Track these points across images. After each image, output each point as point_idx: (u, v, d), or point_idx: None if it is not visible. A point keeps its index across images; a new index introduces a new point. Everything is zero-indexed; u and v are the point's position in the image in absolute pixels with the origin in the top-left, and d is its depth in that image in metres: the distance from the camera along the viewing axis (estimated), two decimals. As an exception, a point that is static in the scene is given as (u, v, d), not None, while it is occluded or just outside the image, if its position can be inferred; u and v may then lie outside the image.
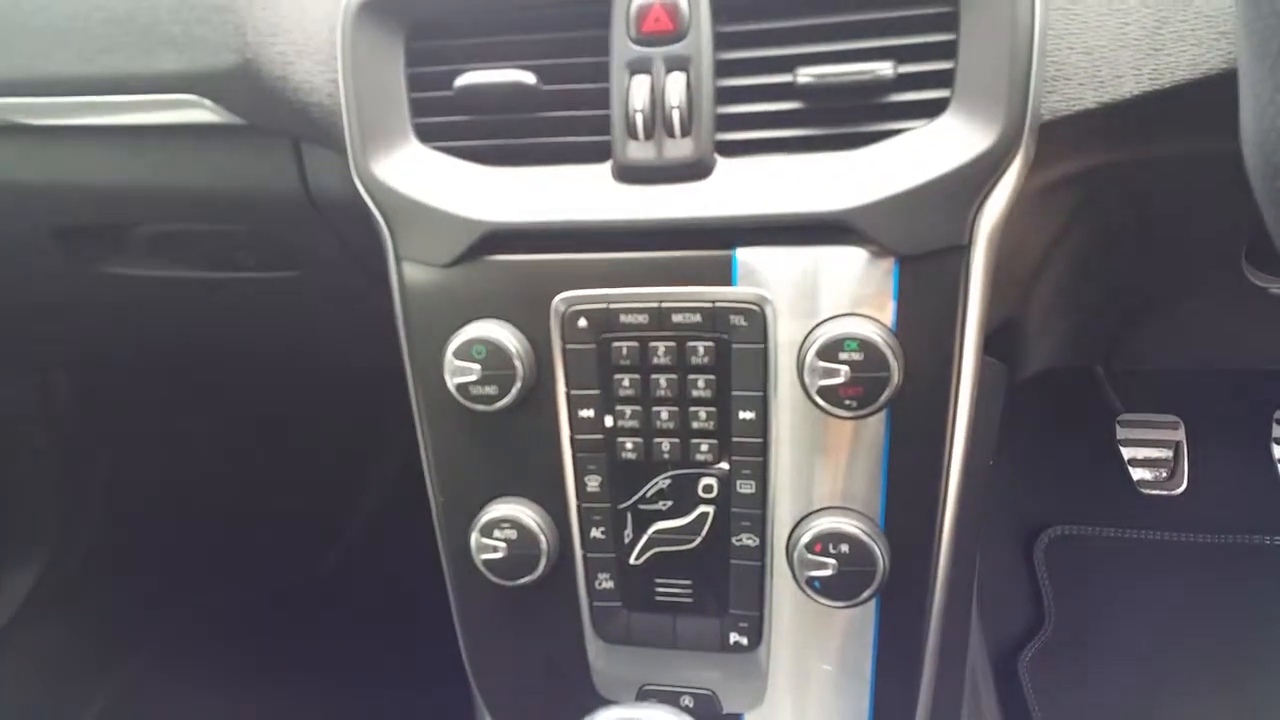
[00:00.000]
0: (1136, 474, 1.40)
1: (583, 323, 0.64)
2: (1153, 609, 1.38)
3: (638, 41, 0.61)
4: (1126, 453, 1.40)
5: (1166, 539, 1.40)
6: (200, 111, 0.70)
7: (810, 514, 0.65)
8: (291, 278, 0.85)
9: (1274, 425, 1.39)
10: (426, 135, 0.67)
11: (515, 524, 0.68)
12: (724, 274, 0.62)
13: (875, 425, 0.62)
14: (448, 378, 0.65)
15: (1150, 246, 0.79)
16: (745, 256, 0.61)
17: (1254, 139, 0.39)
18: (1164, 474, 1.40)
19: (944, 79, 0.58)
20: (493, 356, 0.64)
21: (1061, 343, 0.97)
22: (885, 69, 0.58)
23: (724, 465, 0.65)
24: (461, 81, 0.64)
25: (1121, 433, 1.41)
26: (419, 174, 0.66)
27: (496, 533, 0.68)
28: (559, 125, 0.64)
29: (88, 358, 1.17)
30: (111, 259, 0.86)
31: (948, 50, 0.58)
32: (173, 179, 0.76)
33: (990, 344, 0.79)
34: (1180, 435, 1.39)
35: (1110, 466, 1.43)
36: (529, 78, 0.63)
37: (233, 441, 1.33)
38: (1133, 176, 0.66)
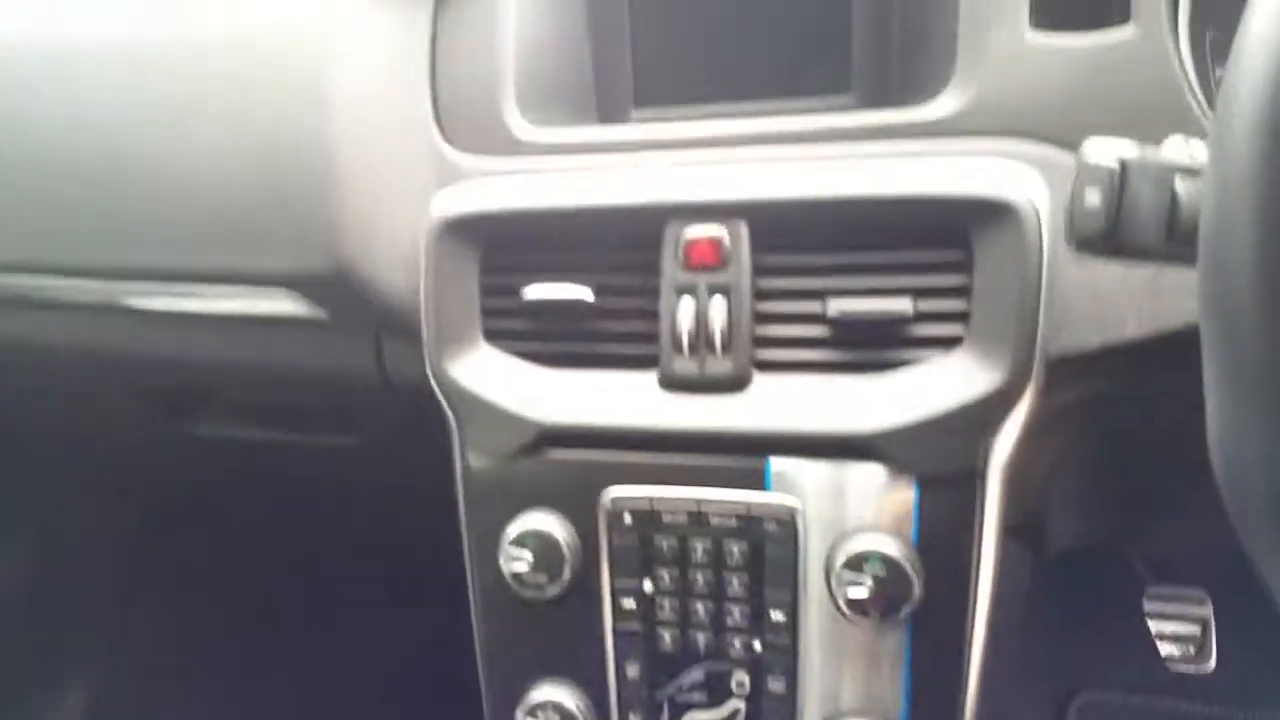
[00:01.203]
0: (1165, 649, 1.40)
1: (628, 519, 0.70)
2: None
3: (685, 269, 0.69)
4: (1154, 626, 1.41)
5: (1199, 710, 1.39)
6: (292, 305, 0.79)
7: (838, 716, 0.68)
8: (355, 445, 0.92)
9: None
10: (494, 338, 0.74)
11: (559, 708, 0.72)
12: (758, 480, 0.67)
13: (897, 634, 0.66)
14: (503, 564, 0.71)
15: (1161, 451, 0.83)
16: (778, 465, 0.67)
17: (1212, 438, 0.44)
18: (1192, 650, 1.40)
19: (959, 317, 0.65)
20: (544, 547, 0.70)
21: (1083, 528, 1.00)
22: (905, 306, 0.65)
23: (756, 662, 0.69)
24: (528, 293, 0.72)
25: (1149, 606, 1.41)
26: (485, 373, 0.73)
27: (540, 714, 0.72)
28: (612, 336, 0.72)
29: (148, 502, 1.25)
30: (190, 420, 0.94)
31: (963, 292, 0.65)
32: (258, 358, 0.85)
33: (1012, 532, 0.84)
34: (1208, 611, 1.40)
35: (1142, 634, 1.43)
36: (588, 294, 0.71)
37: (260, 593, 1.37)
38: (1139, 400, 0.71)
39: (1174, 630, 1.41)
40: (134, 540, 1.28)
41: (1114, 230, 0.48)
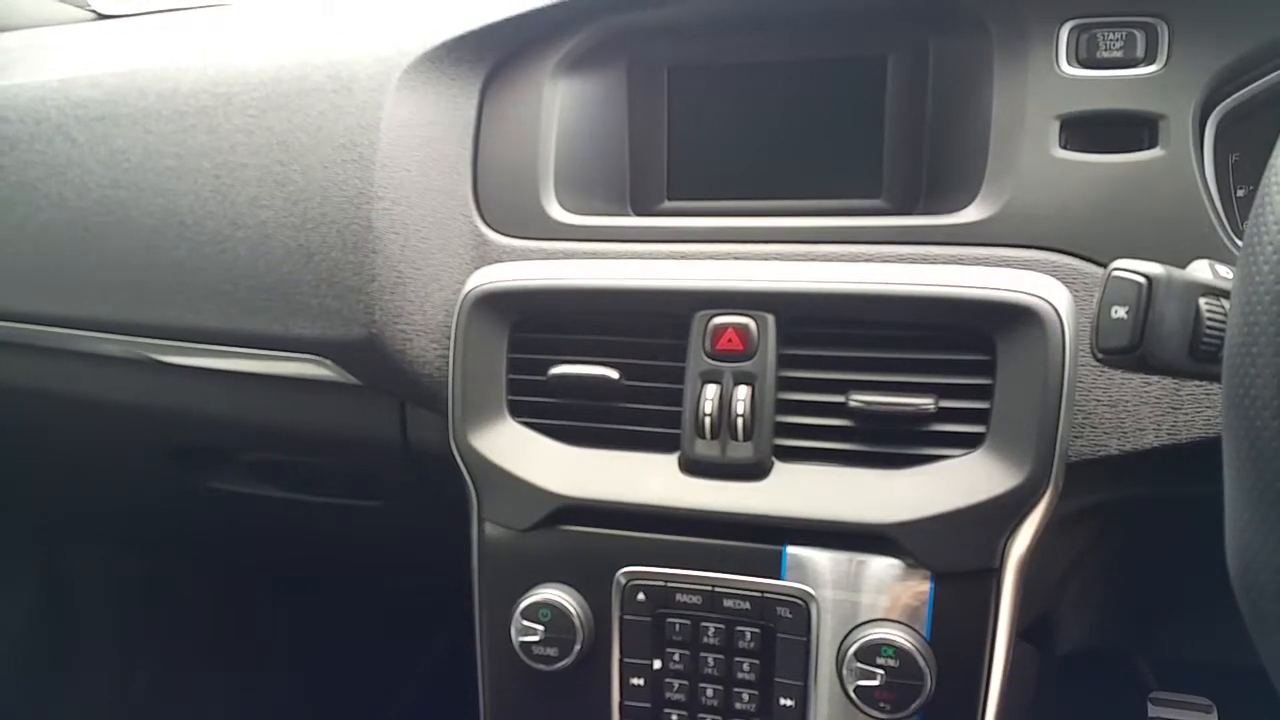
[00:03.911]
0: (1168, 756, 1.39)
1: (642, 597, 0.70)
2: None
3: (711, 356, 0.70)
4: (1158, 732, 1.39)
5: None
6: (320, 369, 0.81)
7: None
8: (374, 507, 0.93)
9: None
10: (518, 412, 0.76)
11: None
12: (774, 567, 0.68)
13: (906, 728, 0.66)
14: (514, 636, 0.71)
15: (1174, 559, 0.84)
16: (794, 553, 0.68)
17: (1231, 548, 0.45)
18: (1195, 758, 1.38)
19: (981, 417, 0.66)
20: (557, 620, 0.71)
21: (1093, 629, 1.00)
22: (928, 404, 0.66)
23: (763, 748, 0.69)
24: (555, 370, 0.74)
25: (1153, 711, 1.40)
26: (508, 446, 0.75)
27: None
28: (635, 416, 0.73)
29: (157, 551, 1.25)
30: (216, 477, 0.96)
31: (985, 393, 0.66)
32: (285, 419, 0.86)
33: (1024, 631, 0.84)
34: (1213, 718, 1.38)
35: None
36: (613, 374, 0.73)
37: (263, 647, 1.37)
38: (1156, 508, 0.72)
39: (1178, 737, 1.39)
40: (139, 589, 1.28)
41: (1138, 344, 0.49)
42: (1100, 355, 0.51)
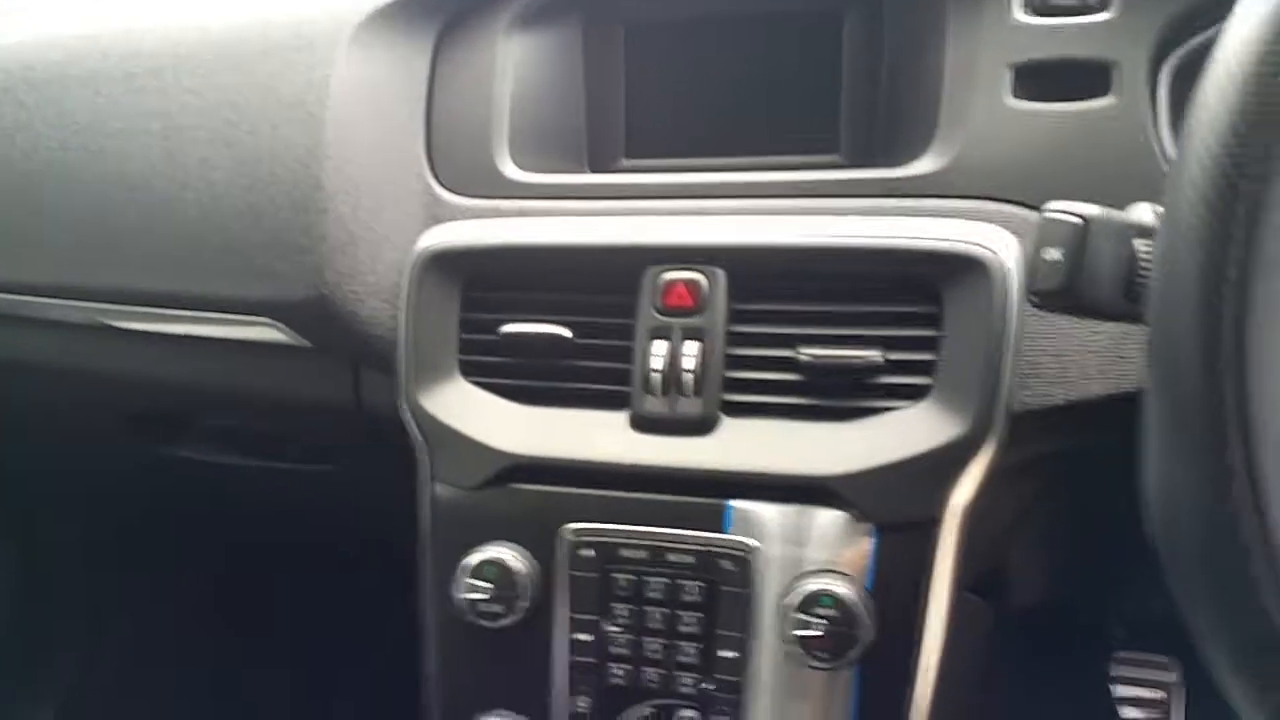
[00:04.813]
0: (1128, 713, 1.40)
1: (588, 553, 0.70)
2: None
3: (661, 312, 0.70)
4: (1118, 691, 1.40)
5: None
6: (273, 332, 0.80)
7: None
8: (328, 472, 0.93)
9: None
10: (470, 372, 0.76)
11: None
12: (718, 521, 0.68)
13: (846, 677, 0.67)
14: (460, 593, 0.71)
15: (1122, 513, 0.85)
16: (739, 507, 0.68)
17: (1150, 495, 0.45)
18: (1156, 716, 1.39)
19: (927, 369, 0.67)
20: (502, 577, 0.71)
21: (1048, 585, 1.01)
22: (875, 355, 0.67)
23: (705, 700, 0.69)
24: (506, 329, 0.74)
25: (1116, 669, 1.41)
26: (458, 405, 0.75)
27: None
28: (586, 374, 0.73)
29: (125, 519, 1.25)
30: (172, 443, 0.95)
31: (932, 344, 0.67)
32: (239, 383, 0.86)
33: (973, 585, 0.84)
34: (1174, 677, 1.39)
35: (1107, 697, 1.42)
36: (565, 332, 0.73)
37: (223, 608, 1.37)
38: (1103, 459, 0.73)
39: (1137, 695, 1.40)
40: (110, 555, 1.28)
41: (1072, 286, 0.49)
42: (1034, 298, 0.51)
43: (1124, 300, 0.50)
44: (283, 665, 1.37)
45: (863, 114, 0.77)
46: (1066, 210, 0.48)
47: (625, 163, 0.83)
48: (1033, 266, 0.50)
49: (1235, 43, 0.41)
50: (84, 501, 1.20)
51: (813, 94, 0.78)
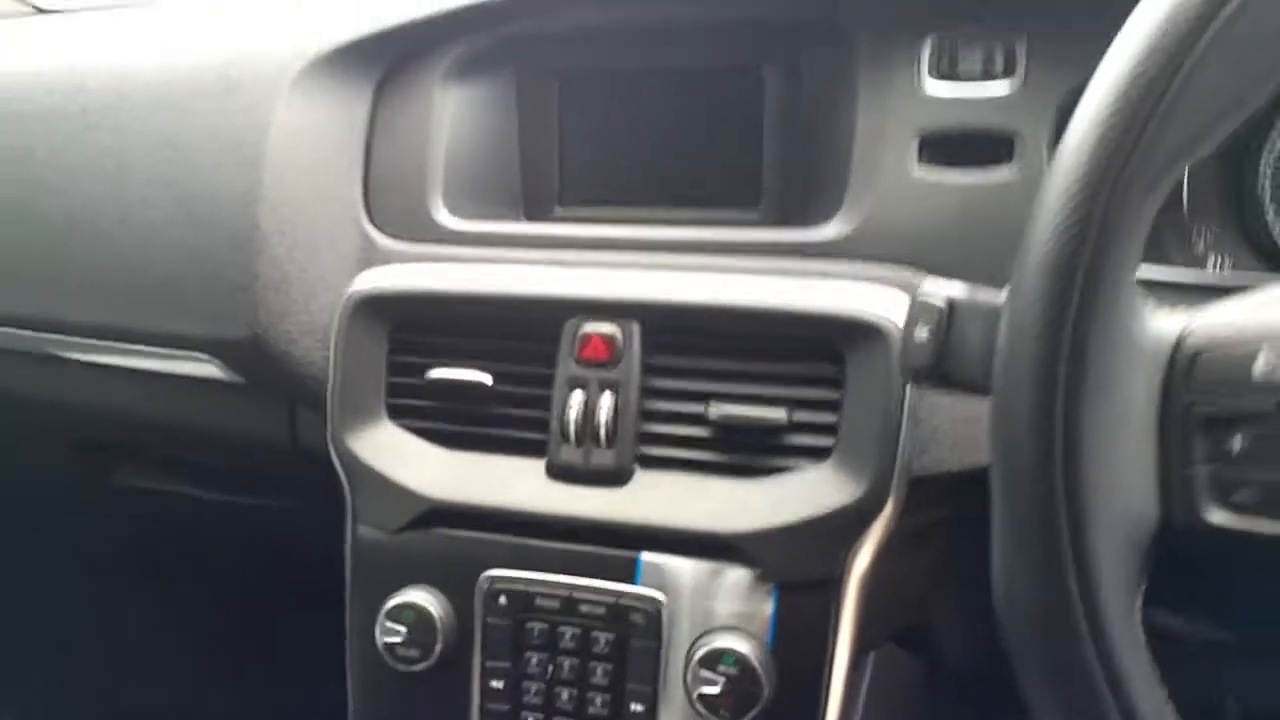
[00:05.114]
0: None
1: (503, 600, 0.71)
2: None
3: (578, 363, 0.71)
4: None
5: None
6: (210, 368, 0.82)
7: None
8: (267, 506, 0.95)
9: None
10: (396, 414, 0.77)
11: None
12: (629, 573, 0.69)
13: (751, 734, 0.68)
14: (378, 636, 0.72)
15: None
16: (649, 560, 0.69)
17: (994, 574, 0.46)
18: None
19: (830, 430, 0.68)
20: (420, 621, 0.72)
21: (979, 642, 1.02)
22: (780, 415, 0.68)
23: (614, 751, 0.70)
24: (432, 374, 0.75)
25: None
26: (382, 448, 0.76)
27: None
28: (507, 421, 0.74)
29: (76, 545, 1.27)
30: (113, 471, 0.97)
31: (835, 406, 0.67)
32: (177, 416, 0.88)
33: (906, 639, 0.85)
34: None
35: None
36: (487, 379, 0.74)
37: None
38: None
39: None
40: (54, 590, 1.29)
41: (939, 365, 0.50)
42: (907, 373, 0.52)
43: (989, 379, 0.51)
44: (213, 688, 1.38)
45: (783, 171, 0.78)
46: (933, 293, 0.49)
47: (559, 210, 0.84)
48: (904, 345, 0.51)
49: (1076, 122, 0.42)
50: (35, 523, 1.22)
51: (737, 149, 0.80)
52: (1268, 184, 0.71)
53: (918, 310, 0.50)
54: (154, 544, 1.15)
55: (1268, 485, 0.42)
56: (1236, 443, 0.42)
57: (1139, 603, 0.44)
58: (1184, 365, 0.43)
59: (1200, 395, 0.42)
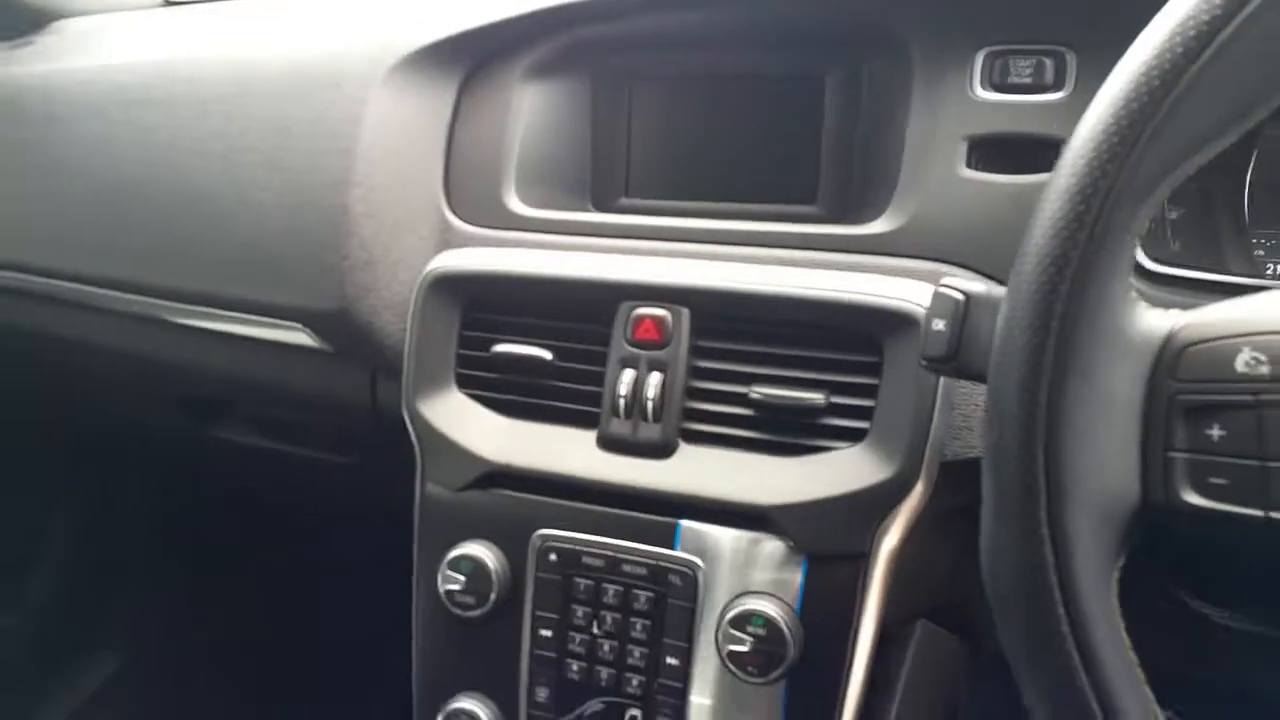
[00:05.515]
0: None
1: (553, 557, 0.78)
2: None
3: (630, 343, 0.77)
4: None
5: None
6: (301, 336, 0.90)
7: None
8: (348, 463, 1.03)
9: None
10: (464, 384, 0.84)
11: (472, 717, 0.80)
12: (669, 538, 0.75)
13: (774, 693, 0.73)
14: (440, 584, 0.79)
15: None
16: (689, 526, 0.75)
17: (981, 549, 0.50)
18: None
19: (866, 414, 0.72)
20: (477, 572, 0.79)
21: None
22: (819, 398, 0.72)
23: (650, 701, 0.76)
24: (497, 348, 0.82)
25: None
26: (451, 414, 0.83)
27: None
28: (562, 394, 0.81)
29: (175, 490, 1.39)
30: (210, 424, 1.07)
31: (871, 392, 0.72)
32: (269, 378, 0.97)
33: (943, 618, 0.88)
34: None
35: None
36: (547, 354, 0.80)
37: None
38: None
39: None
40: (161, 523, 1.41)
41: (954, 355, 0.54)
42: (923, 362, 0.57)
43: None
44: (296, 631, 1.48)
45: (840, 171, 0.83)
46: (952, 286, 0.54)
47: (624, 202, 0.90)
48: (924, 334, 0.55)
49: (1078, 132, 0.46)
50: (139, 471, 1.33)
51: (797, 149, 0.84)
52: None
53: (937, 302, 0.55)
54: (245, 492, 1.25)
55: (1243, 471, 0.45)
56: (1215, 431, 0.45)
57: (1116, 576, 0.47)
58: (1171, 358, 0.47)
59: (1184, 385, 0.46)
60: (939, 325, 0.54)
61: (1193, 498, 0.46)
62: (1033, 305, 0.45)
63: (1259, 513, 0.44)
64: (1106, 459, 0.46)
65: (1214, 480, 0.45)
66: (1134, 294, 0.48)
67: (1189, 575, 0.71)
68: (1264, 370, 0.44)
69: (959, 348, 0.54)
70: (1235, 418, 0.45)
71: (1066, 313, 0.45)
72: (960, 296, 0.54)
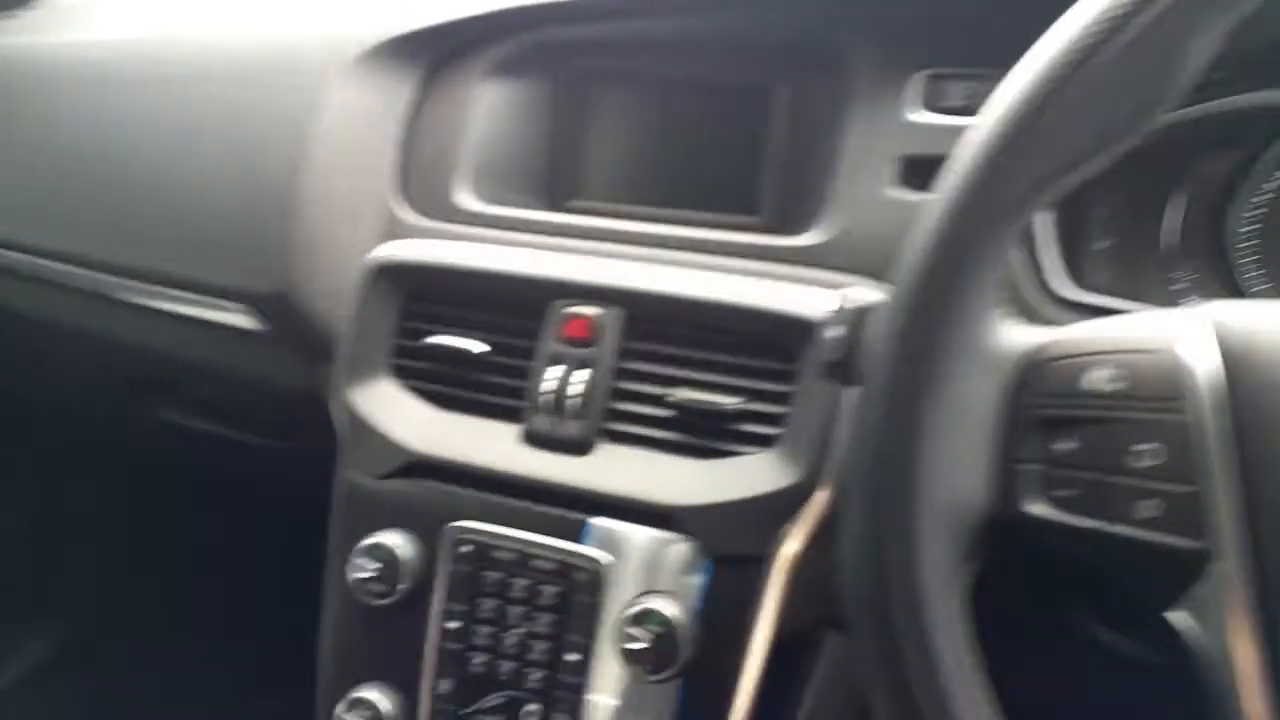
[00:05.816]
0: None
1: (465, 549, 0.77)
2: None
3: (559, 341, 0.78)
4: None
5: None
6: (244, 318, 0.91)
7: None
8: (285, 448, 1.04)
9: None
10: (400, 374, 0.84)
11: (372, 707, 0.79)
12: (577, 535, 0.75)
13: (671, 690, 0.72)
14: (349, 572, 0.79)
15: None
16: (598, 524, 0.74)
17: (837, 551, 0.50)
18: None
19: (777, 420, 0.72)
20: (388, 561, 0.78)
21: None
22: (734, 403, 0.73)
23: (549, 697, 0.75)
24: (432, 339, 0.82)
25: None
26: (380, 402, 0.83)
27: (356, 710, 0.80)
28: (491, 388, 0.81)
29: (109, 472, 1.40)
30: (163, 408, 1.07)
31: (784, 399, 0.72)
32: (210, 359, 0.97)
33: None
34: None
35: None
36: (478, 347, 0.81)
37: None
38: None
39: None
40: (109, 506, 1.41)
41: (847, 362, 0.55)
42: (818, 369, 0.57)
43: None
44: (228, 631, 1.48)
45: (781, 184, 0.84)
46: (854, 296, 0.54)
47: (576, 203, 0.92)
48: (821, 342, 0.56)
49: (952, 156, 0.47)
50: (94, 456, 1.34)
51: (742, 160, 0.86)
52: (1241, 232, 0.74)
53: (837, 312, 0.55)
54: (188, 476, 1.25)
55: (1088, 484, 0.46)
56: (1064, 445, 0.46)
57: (962, 583, 0.47)
58: (1030, 373, 0.48)
59: (1037, 399, 0.47)
60: (833, 333, 0.55)
61: (1036, 508, 0.46)
62: (895, 317, 0.46)
63: (1099, 524, 0.45)
64: (958, 467, 0.47)
65: (1058, 493, 0.46)
66: (994, 310, 0.49)
67: (1088, 595, 0.71)
68: (1114, 387, 0.45)
69: (853, 356, 0.54)
70: (1083, 432, 0.46)
71: (929, 326, 0.45)
72: (857, 307, 0.55)
